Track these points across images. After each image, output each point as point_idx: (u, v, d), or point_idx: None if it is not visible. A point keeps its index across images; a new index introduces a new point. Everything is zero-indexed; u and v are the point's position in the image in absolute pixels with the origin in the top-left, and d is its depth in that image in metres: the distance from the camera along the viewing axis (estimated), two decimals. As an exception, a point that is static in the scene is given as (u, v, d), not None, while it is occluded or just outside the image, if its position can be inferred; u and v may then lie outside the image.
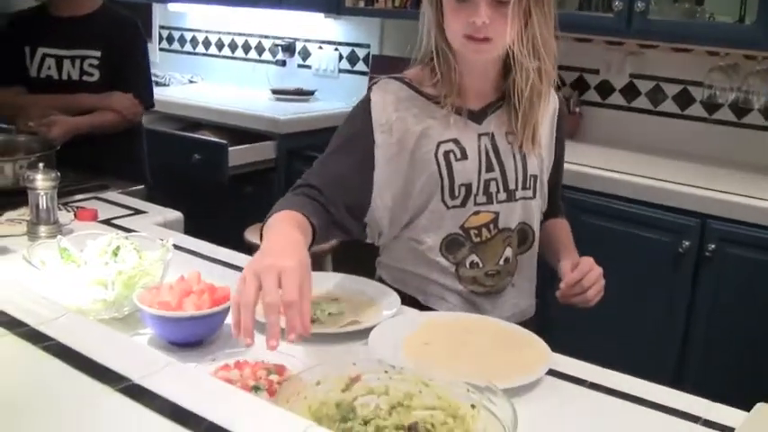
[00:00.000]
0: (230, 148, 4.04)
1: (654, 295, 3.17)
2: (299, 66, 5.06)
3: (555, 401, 1.51)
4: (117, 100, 3.17)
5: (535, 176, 1.99)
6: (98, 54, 3.16)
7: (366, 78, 4.63)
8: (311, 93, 4.84)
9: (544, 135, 2.02)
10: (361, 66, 4.77)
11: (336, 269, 3.00)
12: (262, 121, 4.29)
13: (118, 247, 1.82)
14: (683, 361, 3.15)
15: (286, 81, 5.02)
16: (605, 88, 4.01)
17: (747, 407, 1.47)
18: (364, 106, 1.92)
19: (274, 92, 4.83)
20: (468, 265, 1.97)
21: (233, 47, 5.39)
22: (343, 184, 1.86)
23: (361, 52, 4.77)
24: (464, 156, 1.92)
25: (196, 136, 4.09)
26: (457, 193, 1.92)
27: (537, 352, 1.63)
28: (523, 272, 2.05)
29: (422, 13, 1.94)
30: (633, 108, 3.94)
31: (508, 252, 1.99)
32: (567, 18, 3.68)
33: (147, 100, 3.34)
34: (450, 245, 1.95)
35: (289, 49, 5.05)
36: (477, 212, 1.94)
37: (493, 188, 1.94)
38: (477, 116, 1.96)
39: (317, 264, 3.27)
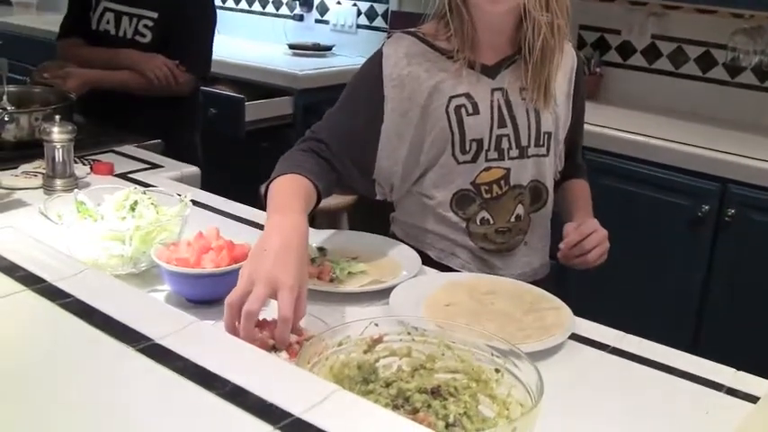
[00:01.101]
0: (247, 103, 4.02)
1: (672, 259, 3.15)
2: (317, 21, 5.02)
3: (577, 366, 1.50)
4: (152, 64, 3.06)
5: (549, 133, 1.96)
6: (154, 15, 3.11)
7: (384, 35, 4.58)
8: (329, 48, 4.79)
9: (560, 92, 1.99)
10: (379, 21, 4.72)
11: (352, 227, 2.99)
12: (279, 76, 4.26)
13: (135, 202, 1.80)
14: (699, 325, 3.13)
15: (303, 36, 4.98)
16: (627, 49, 3.95)
17: (764, 373, 1.45)
18: (376, 60, 1.92)
19: (291, 47, 4.80)
20: (478, 222, 1.95)
21: (250, 1, 5.34)
22: (350, 139, 1.87)
23: (379, 8, 4.72)
24: (476, 110, 1.90)
25: (213, 90, 4.06)
26: (468, 148, 1.90)
27: (559, 315, 1.61)
28: (536, 230, 2.03)
29: None
30: (654, 70, 3.89)
31: (520, 209, 1.97)
32: (591, -24, 3.65)
33: (196, 69, 3.21)
34: (461, 201, 1.94)
35: (306, 3, 5.00)
36: (488, 168, 1.92)
37: (505, 144, 1.92)
38: (491, 71, 1.93)
39: (333, 221, 3.27)
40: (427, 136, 1.90)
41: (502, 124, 1.91)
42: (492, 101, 1.91)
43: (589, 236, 1.90)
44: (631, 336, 1.60)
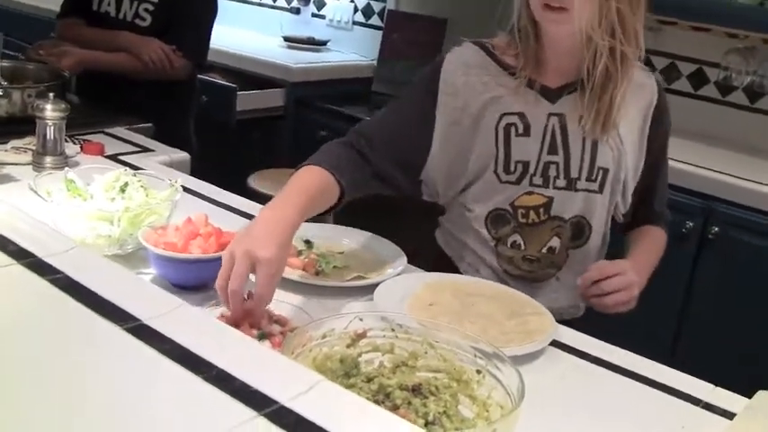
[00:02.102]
0: (239, 93, 4.01)
1: (654, 273, 3.16)
2: (314, 15, 5.01)
3: (557, 373, 1.51)
4: (148, 47, 3.04)
5: (605, 170, 1.86)
6: (155, 0, 3.11)
7: (380, 33, 4.57)
8: (324, 43, 4.79)
9: (629, 128, 1.89)
10: (375, 20, 4.72)
11: (338, 221, 2.99)
12: (273, 67, 4.25)
13: (126, 184, 1.80)
14: (677, 340, 3.15)
15: (299, 29, 4.97)
16: (620, 62, 3.96)
17: (741, 391, 1.47)
18: (435, 67, 1.90)
19: (286, 39, 4.79)
20: (508, 244, 1.91)
21: (247, -9, 5.34)
22: (396, 138, 1.86)
23: (376, 6, 4.71)
24: (526, 132, 1.85)
25: (206, 77, 4.05)
26: (513, 169, 1.85)
27: (541, 321, 1.62)
28: (573, 267, 1.93)
29: None
30: (647, 84, 3.90)
31: (555, 242, 1.90)
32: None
33: (193, 56, 3.19)
34: (496, 219, 1.90)
35: (304, -4, 5.00)
36: (530, 193, 1.87)
37: (552, 172, 1.85)
38: (552, 94, 1.87)
39: (319, 216, 3.27)
40: (475, 148, 1.87)
41: (552, 151, 1.85)
42: (547, 125, 1.85)
43: (611, 277, 1.80)
44: (612, 346, 1.61)
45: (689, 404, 1.44)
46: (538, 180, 1.86)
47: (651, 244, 2.05)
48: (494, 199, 1.89)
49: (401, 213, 2.13)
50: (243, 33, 5.02)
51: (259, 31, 5.13)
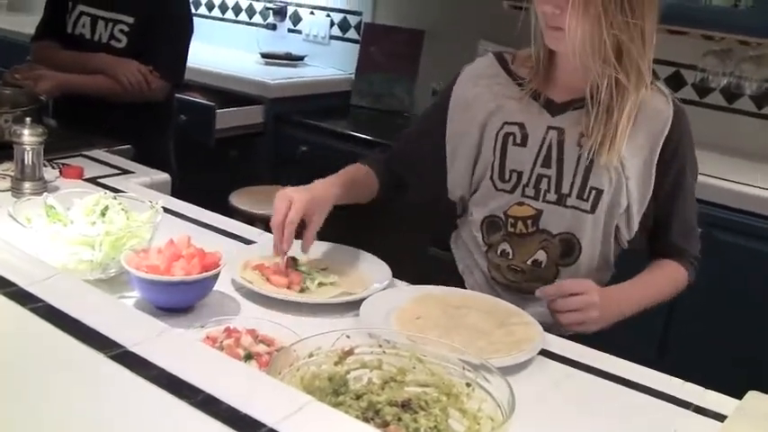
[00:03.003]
0: (218, 111, 4.00)
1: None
2: (290, 30, 5.00)
3: (546, 382, 1.50)
4: (125, 68, 3.03)
5: (599, 191, 1.84)
6: (130, 21, 3.09)
7: (357, 46, 4.57)
8: (301, 58, 4.78)
9: (635, 153, 1.84)
10: (352, 33, 4.72)
11: (321, 237, 2.98)
12: (250, 84, 4.24)
13: (106, 207, 1.78)
14: (664, 343, 3.15)
15: (276, 45, 4.96)
16: (598, 67, 3.97)
17: (732, 393, 1.47)
18: (451, 81, 2.00)
19: (264, 56, 4.78)
20: (498, 252, 1.95)
21: (223, 8, 5.32)
22: (418, 157, 2.07)
23: (353, 20, 4.71)
24: (523, 142, 1.88)
25: (183, 96, 4.03)
26: (507, 177, 1.90)
27: (529, 330, 1.62)
28: None
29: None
30: (625, 88, 3.91)
31: (541, 256, 1.91)
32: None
33: (170, 76, 3.17)
34: (490, 226, 1.95)
35: (280, 12, 4.99)
36: (520, 203, 1.89)
37: (544, 185, 1.87)
38: (555, 108, 1.88)
39: (302, 232, 3.26)
40: (481, 153, 1.93)
41: (546, 164, 1.86)
42: (545, 137, 1.87)
43: (570, 296, 1.77)
44: (600, 352, 1.61)
45: (680, 408, 1.44)
46: (530, 191, 1.88)
47: (655, 276, 2.00)
48: (490, 205, 1.93)
49: (384, 226, 2.16)
50: (220, 51, 5.02)
51: (236, 48, 5.12)
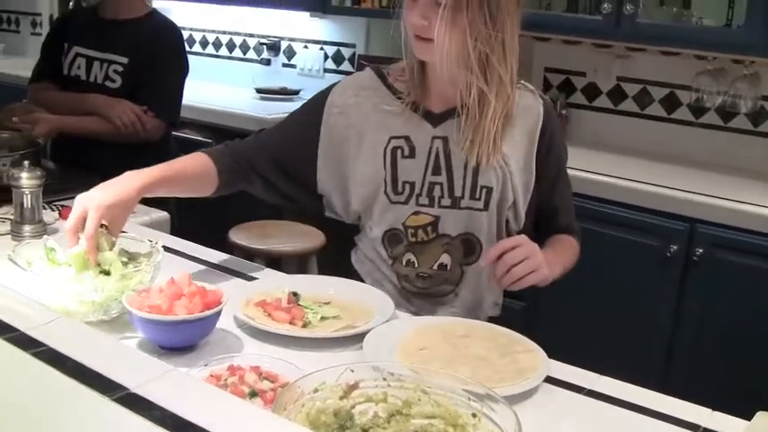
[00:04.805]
0: (215, 147, 4.00)
1: (641, 299, 3.16)
2: (284, 65, 5.04)
3: (552, 409, 1.49)
4: (119, 110, 3.03)
5: (489, 188, 1.93)
6: (124, 61, 3.10)
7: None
8: (296, 92, 4.80)
9: (516, 149, 1.95)
10: (346, 66, 4.74)
11: (322, 270, 2.98)
12: (247, 120, 4.26)
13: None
14: (670, 364, 3.14)
15: (271, 80, 4.99)
16: (592, 91, 4.00)
17: (738, 412, 1.46)
18: (327, 88, 2.03)
19: (259, 91, 4.81)
20: (403, 263, 2.00)
21: (217, 45, 5.36)
22: (279, 148, 2.02)
23: (346, 52, 4.74)
24: (412, 154, 1.94)
25: (179, 134, 4.04)
26: (401, 190, 1.95)
27: (533, 358, 1.61)
28: (468, 284, 2.01)
29: (398, 14, 1.95)
30: (620, 111, 3.93)
31: (446, 259, 1.98)
32: (555, 20, 3.70)
33: (166, 115, 3.18)
34: (391, 239, 1.99)
35: (273, 47, 5.02)
36: (416, 213, 1.95)
37: (437, 192, 1.94)
38: (435, 118, 1.96)
39: (303, 265, 3.26)
40: (365, 169, 1.95)
41: (436, 172, 1.94)
42: (431, 147, 1.94)
43: (512, 249, 1.82)
44: (605, 377, 1.60)
45: (689, 430, 1.43)
46: (424, 200, 1.95)
47: (557, 243, 2.06)
48: (387, 219, 1.98)
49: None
50: (215, 87, 5.04)
51: (231, 84, 5.15)
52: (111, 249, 1.77)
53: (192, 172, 1.97)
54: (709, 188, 3.15)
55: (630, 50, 3.81)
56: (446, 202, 1.94)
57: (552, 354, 1.65)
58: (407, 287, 2.02)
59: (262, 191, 2.05)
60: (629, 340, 3.19)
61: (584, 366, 1.64)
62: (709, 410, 1.48)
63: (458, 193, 1.94)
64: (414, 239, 1.97)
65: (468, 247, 1.98)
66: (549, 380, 1.57)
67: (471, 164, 1.92)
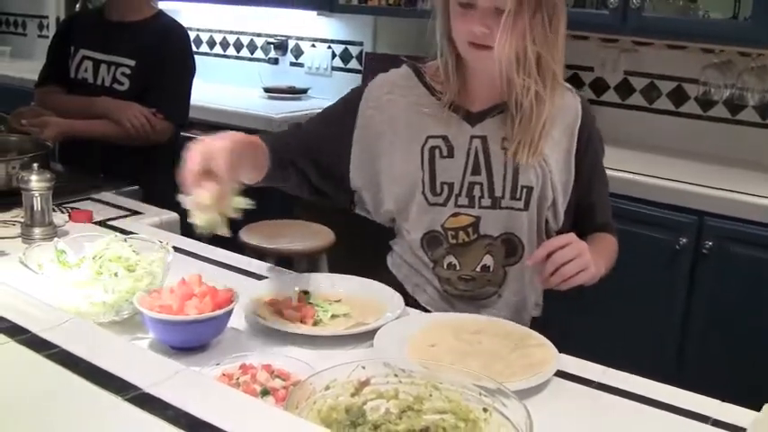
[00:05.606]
0: (223, 148, 4.00)
1: (651, 292, 3.16)
2: (292, 64, 5.04)
3: (563, 403, 1.50)
4: (128, 113, 3.03)
5: (530, 188, 1.91)
6: (132, 63, 3.10)
7: (359, 76, 4.60)
8: (304, 91, 4.81)
9: (556, 148, 1.94)
10: (354, 64, 4.75)
11: (332, 269, 2.99)
12: (255, 119, 4.27)
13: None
14: (681, 357, 3.14)
15: (278, 79, 5.00)
16: (600, 85, 3.99)
17: (746, 402, 1.46)
18: (362, 85, 2.01)
19: (267, 90, 4.81)
20: (445, 266, 1.97)
21: (224, 45, 5.37)
22: (314, 143, 1.98)
23: (354, 50, 4.75)
24: (450, 154, 1.91)
25: (188, 134, 4.04)
26: (439, 191, 1.92)
27: (544, 353, 1.61)
28: (511, 285, 1.99)
29: (432, 15, 1.92)
30: (627, 105, 3.93)
31: (488, 260, 1.95)
32: (563, 15, 3.69)
33: (174, 117, 3.17)
34: (431, 242, 1.96)
35: (281, 47, 5.03)
36: (456, 214, 1.92)
37: (477, 192, 1.91)
38: (474, 118, 1.93)
39: (313, 264, 3.27)
40: (398, 165, 1.93)
41: (476, 171, 1.91)
42: (470, 147, 1.91)
43: (561, 249, 1.80)
44: (615, 370, 1.60)
45: (698, 422, 1.43)
46: (463, 200, 1.92)
47: (599, 242, 2.03)
48: (425, 222, 1.94)
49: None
50: (223, 88, 5.05)
51: (239, 84, 5.16)
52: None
53: (262, 149, 1.85)
54: (717, 181, 3.14)
55: (637, 45, 3.81)
56: (486, 202, 1.91)
57: (562, 348, 1.66)
58: (450, 290, 1.99)
59: (296, 186, 2.01)
60: (638, 333, 3.19)
61: (594, 360, 1.64)
62: (718, 402, 1.49)
63: (498, 193, 1.91)
64: (455, 241, 1.94)
65: (510, 247, 1.95)
66: (560, 374, 1.57)
67: (511, 163, 1.90)
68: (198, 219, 1.60)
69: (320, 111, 2.09)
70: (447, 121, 1.92)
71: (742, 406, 1.47)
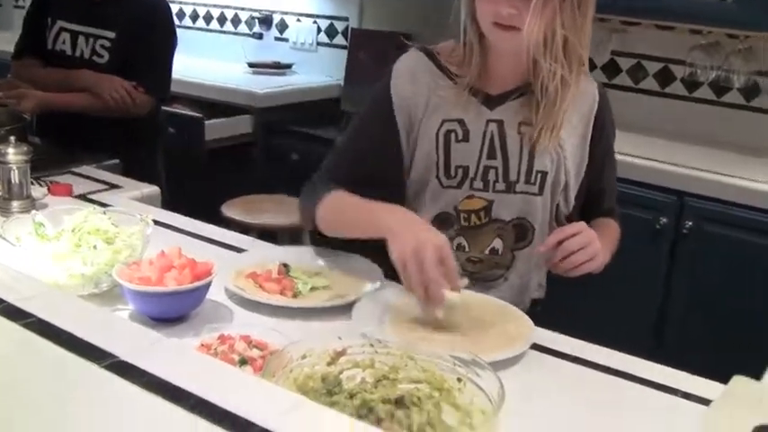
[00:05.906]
0: (207, 122, 4.01)
1: (631, 271, 3.16)
2: (276, 39, 5.02)
3: (538, 375, 1.52)
4: (109, 86, 2.99)
5: (544, 173, 1.90)
6: (112, 36, 3.06)
7: (345, 52, 4.59)
8: (288, 66, 4.80)
9: (572, 134, 1.93)
10: (339, 39, 4.73)
11: (314, 243, 2.99)
12: (238, 94, 4.26)
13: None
14: (660, 336, 3.17)
15: (263, 54, 4.97)
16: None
17: (723, 379, 1.48)
18: (385, 84, 1.93)
19: (251, 65, 4.80)
20: (454, 247, 1.93)
21: (208, 18, 5.34)
22: (371, 163, 1.93)
23: (339, 25, 4.73)
24: (465, 138, 1.89)
25: (171, 109, 4.04)
26: (453, 174, 1.90)
27: (520, 326, 1.63)
28: (518, 269, 1.98)
29: None
30: (614, 85, 3.92)
31: (497, 243, 1.94)
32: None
33: (155, 91, 3.13)
34: (442, 223, 1.93)
35: (265, 21, 5.01)
36: (470, 196, 1.91)
37: (491, 176, 1.89)
38: (493, 101, 1.90)
39: (296, 237, 3.27)
40: (417, 152, 1.92)
41: (491, 156, 1.89)
42: (485, 131, 1.89)
43: (573, 236, 1.81)
44: (589, 344, 1.63)
45: (667, 394, 1.46)
46: (478, 184, 1.90)
47: (604, 228, 2.05)
48: (439, 203, 1.93)
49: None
50: (206, 62, 5.03)
51: (222, 58, 5.13)
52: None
53: None
54: (699, 162, 3.16)
55: (626, 24, 3.81)
56: (500, 186, 1.90)
57: (541, 323, 1.67)
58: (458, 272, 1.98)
59: None
60: (618, 311, 3.21)
61: (577, 337, 1.66)
62: (689, 375, 1.51)
63: (513, 177, 1.90)
64: (466, 224, 1.93)
65: (521, 231, 1.94)
66: (537, 347, 1.59)
67: (527, 147, 1.89)
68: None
69: (355, 130, 2.01)
70: (465, 104, 1.89)
71: (721, 382, 1.48)
